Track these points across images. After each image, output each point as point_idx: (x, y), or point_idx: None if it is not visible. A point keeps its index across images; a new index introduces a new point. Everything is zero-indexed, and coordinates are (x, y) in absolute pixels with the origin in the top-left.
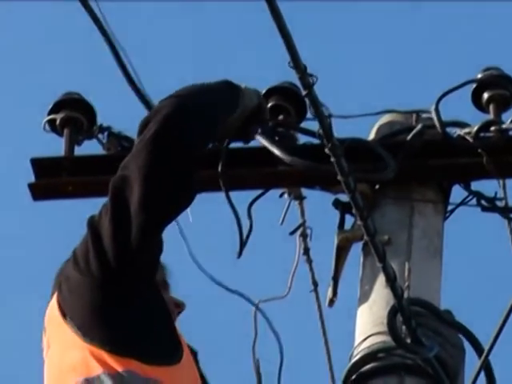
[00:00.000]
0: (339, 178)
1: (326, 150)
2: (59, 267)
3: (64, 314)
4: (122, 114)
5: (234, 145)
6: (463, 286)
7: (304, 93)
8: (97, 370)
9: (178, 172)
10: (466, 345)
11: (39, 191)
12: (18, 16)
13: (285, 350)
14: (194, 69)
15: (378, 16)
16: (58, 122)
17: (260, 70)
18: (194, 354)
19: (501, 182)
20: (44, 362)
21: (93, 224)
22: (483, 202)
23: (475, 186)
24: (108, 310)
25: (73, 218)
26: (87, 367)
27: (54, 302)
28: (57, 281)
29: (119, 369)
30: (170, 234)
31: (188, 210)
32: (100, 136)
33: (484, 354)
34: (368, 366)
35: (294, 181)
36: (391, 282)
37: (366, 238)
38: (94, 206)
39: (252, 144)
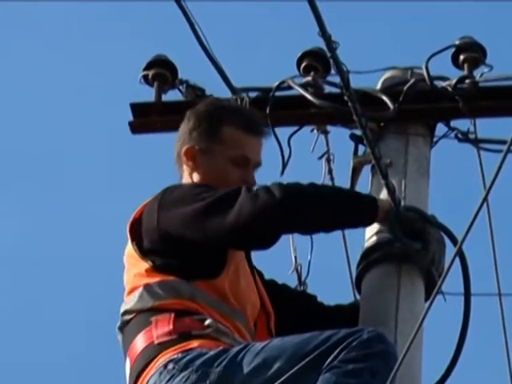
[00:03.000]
0: (354, 118)
1: (345, 98)
2: (151, 200)
3: (133, 234)
4: (196, 69)
5: (278, 93)
6: (444, 197)
7: (329, 55)
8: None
9: (274, 231)
10: (446, 240)
11: (136, 128)
12: None
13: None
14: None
15: None
16: (149, 76)
17: (295, 38)
18: (260, 274)
19: (472, 120)
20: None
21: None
22: (459, 135)
23: (453, 123)
24: (160, 247)
25: (160, 149)
26: (142, 278)
27: (130, 223)
28: (142, 208)
29: (166, 280)
30: None
31: None
32: (180, 87)
33: (458, 245)
34: (373, 256)
35: (322, 119)
36: (391, 194)
37: (373, 161)
38: (175, 137)
39: (292, 92)
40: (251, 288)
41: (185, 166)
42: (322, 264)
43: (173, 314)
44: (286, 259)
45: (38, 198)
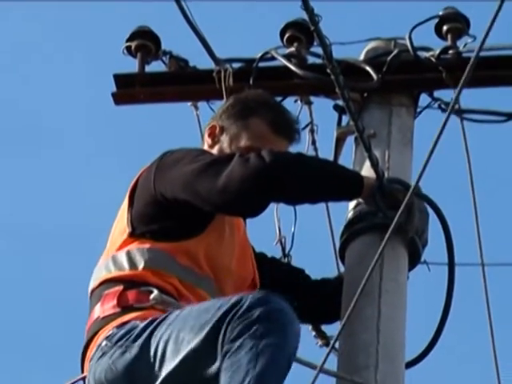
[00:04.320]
0: (337, 91)
1: (328, 70)
2: (150, 163)
3: (131, 199)
4: (179, 41)
5: (261, 64)
6: (427, 168)
7: (312, 28)
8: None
9: (263, 194)
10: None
11: (119, 99)
12: None
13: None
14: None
15: None
16: (132, 47)
17: (278, 10)
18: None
19: (455, 90)
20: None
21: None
22: (443, 105)
23: (437, 94)
24: (149, 213)
25: (143, 119)
26: (119, 242)
27: (130, 187)
28: (141, 173)
29: (135, 247)
30: None
31: None
32: (163, 58)
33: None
34: (356, 226)
35: (305, 90)
36: (374, 166)
37: (356, 134)
38: (159, 109)
39: (275, 63)
40: (243, 259)
41: (204, 142)
42: (305, 235)
43: (121, 287)
44: (270, 231)
45: (21, 169)
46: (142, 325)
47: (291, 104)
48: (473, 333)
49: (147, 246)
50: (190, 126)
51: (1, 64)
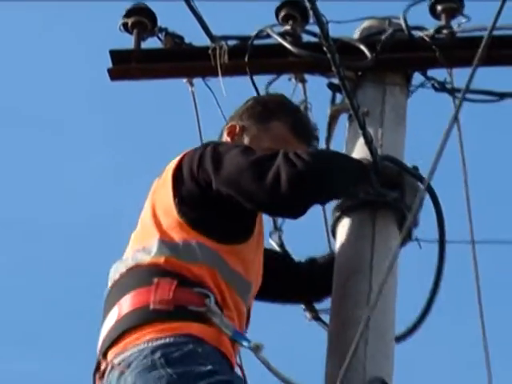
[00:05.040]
0: (333, 69)
1: (324, 48)
2: (193, 150)
3: (174, 185)
4: (175, 18)
5: (256, 42)
6: (420, 146)
7: (309, 6)
8: (176, 236)
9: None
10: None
11: (115, 75)
12: None
13: None
14: None
15: None
16: (129, 24)
17: None
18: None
19: (449, 70)
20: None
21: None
22: (436, 85)
23: (430, 73)
24: (197, 201)
25: (139, 94)
26: (163, 231)
27: (172, 169)
28: (182, 156)
29: (191, 239)
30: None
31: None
32: (159, 35)
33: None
34: (348, 203)
35: (300, 68)
36: (368, 144)
37: (351, 111)
38: (154, 85)
39: (270, 41)
40: (260, 259)
41: (223, 140)
42: None
43: (175, 282)
44: None
45: (17, 146)
46: (199, 360)
47: (285, 82)
48: (462, 309)
49: (202, 240)
50: (185, 103)
51: None
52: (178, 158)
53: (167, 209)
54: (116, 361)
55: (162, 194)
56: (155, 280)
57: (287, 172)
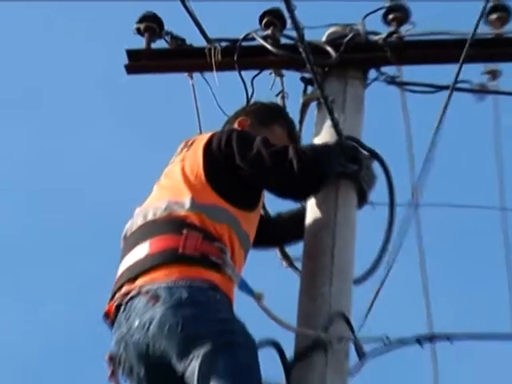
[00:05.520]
0: (307, 66)
1: (300, 49)
2: (217, 131)
3: (205, 156)
4: (178, 23)
5: (244, 43)
6: (375, 129)
7: (288, 15)
8: (206, 199)
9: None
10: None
11: (130, 69)
12: None
13: None
14: None
15: None
16: (141, 29)
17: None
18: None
19: (398, 67)
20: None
21: (245, 136)
22: (388, 79)
23: (384, 70)
24: (221, 172)
25: (149, 85)
26: (195, 192)
27: (203, 143)
28: (212, 135)
29: (218, 203)
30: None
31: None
32: (166, 37)
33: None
34: None
35: (278, 65)
36: (336, 126)
37: (321, 99)
38: (162, 78)
39: (254, 43)
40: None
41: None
42: None
43: (202, 235)
44: None
45: (43, 134)
46: (221, 307)
47: (267, 76)
48: (408, 263)
49: (226, 206)
50: (186, 93)
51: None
52: (208, 135)
53: (197, 174)
54: (144, 289)
55: (191, 161)
56: (185, 231)
57: (298, 165)
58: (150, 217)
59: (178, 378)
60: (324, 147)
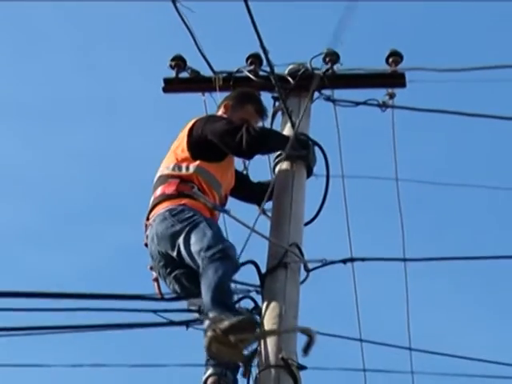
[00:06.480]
0: (276, 90)
1: (272, 79)
2: (200, 118)
3: (189, 137)
4: (196, 61)
5: (236, 74)
6: (318, 130)
7: (265, 57)
8: (184, 162)
9: (250, 149)
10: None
11: (166, 90)
12: None
13: None
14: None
15: None
16: (173, 65)
17: (247, 46)
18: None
19: (332, 90)
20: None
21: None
22: (325, 97)
23: (323, 92)
24: (199, 145)
25: (179, 103)
26: (178, 159)
27: (188, 128)
28: (195, 121)
29: (190, 163)
30: None
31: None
32: (188, 70)
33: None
34: (282, 156)
35: (257, 88)
36: (293, 127)
37: (285, 111)
38: (185, 99)
39: (243, 74)
40: (231, 174)
41: (220, 111)
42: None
43: (178, 180)
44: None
45: (96, 131)
46: (187, 213)
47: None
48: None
49: (198, 163)
50: (200, 107)
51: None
52: (192, 121)
53: (183, 149)
54: (153, 216)
55: (180, 141)
56: (169, 180)
57: (246, 138)
58: (160, 173)
59: (177, 261)
60: (269, 131)
